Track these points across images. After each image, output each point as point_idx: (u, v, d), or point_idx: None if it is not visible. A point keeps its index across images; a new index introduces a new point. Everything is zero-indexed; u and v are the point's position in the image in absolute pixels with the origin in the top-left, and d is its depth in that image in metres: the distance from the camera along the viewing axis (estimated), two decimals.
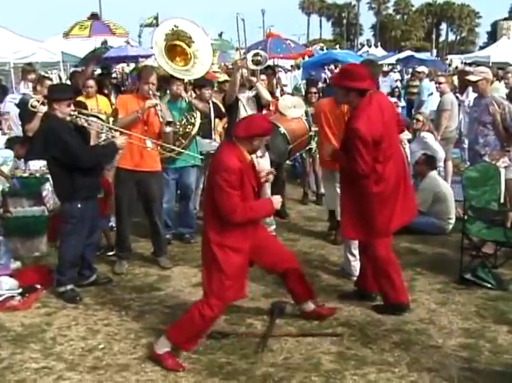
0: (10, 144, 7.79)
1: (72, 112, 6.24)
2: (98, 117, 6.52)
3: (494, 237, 6.81)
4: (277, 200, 5.20)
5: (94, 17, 15.11)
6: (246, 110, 7.86)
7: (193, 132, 7.74)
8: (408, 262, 7.22)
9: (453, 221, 8.35)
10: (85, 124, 6.29)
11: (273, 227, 8.17)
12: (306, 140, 8.58)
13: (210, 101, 8.52)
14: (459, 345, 5.29)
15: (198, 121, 7.82)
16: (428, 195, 8.34)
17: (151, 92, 6.94)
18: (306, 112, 8.76)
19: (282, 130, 8.04)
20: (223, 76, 11.30)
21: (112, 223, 7.91)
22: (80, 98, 8.92)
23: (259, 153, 7.23)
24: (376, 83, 6.53)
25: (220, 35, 27.90)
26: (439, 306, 6.08)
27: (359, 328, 5.58)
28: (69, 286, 6.41)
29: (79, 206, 6.26)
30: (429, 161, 8.68)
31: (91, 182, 6.31)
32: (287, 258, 5.60)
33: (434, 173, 8.60)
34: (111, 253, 7.53)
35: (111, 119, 6.54)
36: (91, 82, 9.22)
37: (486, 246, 7.06)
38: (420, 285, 6.65)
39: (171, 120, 7.02)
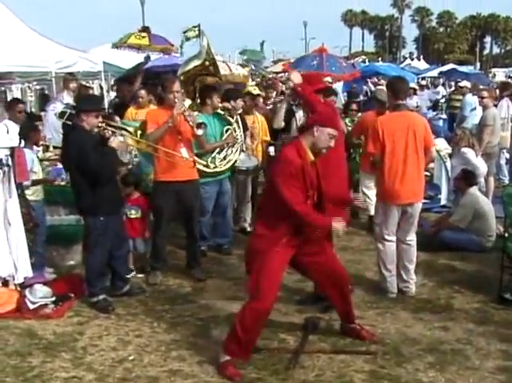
0: (23, 132, 7.58)
1: (100, 124, 6.26)
2: (126, 130, 6.53)
3: None
4: (339, 222, 5.03)
5: (146, 29, 15.12)
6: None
7: (239, 144, 7.84)
8: (447, 280, 7.08)
9: (493, 238, 8.16)
10: (112, 137, 6.29)
11: None
12: None
13: (236, 114, 8.45)
14: (497, 367, 5.13)
15: (240, 133, 7.88)
16: (468, 212, 8.17)
17: (176, 101, 6.92)
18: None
19: None
20: (256, 90, 11.20)
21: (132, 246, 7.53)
22: (131, 109, 8.97)
23: None
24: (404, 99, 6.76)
25: (262, 44, 27.97)
26: (476, 326, 5.91)
27: (393, 346, 5.45)
28: (101, 296, 6.43)
29: (101, 219, 6.31)
30: (468, 177, 8.50)
31: (112, 196, 6.34)
32: (339, 284, 5.47)
33: (474, 189, 8.42)
34: (140, 275, 7.32)
35: (138, 132, 6.55)
36: (142, 92, 9.20)
37: None
38: (458, 303, 6.49)
39: (201, 121, 6.98)
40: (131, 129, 6.66)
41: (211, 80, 8.43)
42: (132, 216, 7.33)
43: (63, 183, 8.29)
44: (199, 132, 6.91)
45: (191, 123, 6.83)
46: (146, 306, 6.48)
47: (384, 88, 8.14)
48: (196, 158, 7.33)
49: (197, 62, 8.35)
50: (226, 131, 7.90)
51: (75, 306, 6.46)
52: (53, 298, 6.41)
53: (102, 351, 5.46)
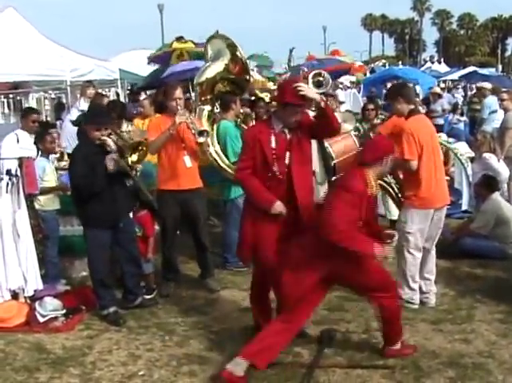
0: (38, 140, 7.42)
1: (102, 138, 6.12)
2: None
3: None
4: (379, 249, 4.94)
5: (181, 37, 14.97)
6: None
7: None
8: (468, 289, 6.87)
9: None
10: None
11: None
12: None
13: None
14: None
15: None
16: (490, 218, 7.95)
17: (179, 108, 6.77)
18: (357, 128, 8.43)
19: (325, 144, 7.71)
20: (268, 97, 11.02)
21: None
22: (137, 119, 8.82)
23: (319, 179, 6.99)
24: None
25: (291, 51, 27.74)
26: (499, 338, 5.68)
27: (412, 360, 5.23)
28: (112, 309, 6.29)
29: (94, 232, 6.22)
30: (490, 183, 8.28)
31: (105, 210, 6.14)
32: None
33: (496, 195, 8.19)
34: (149, 296, 6.89)
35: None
36: (145, 102, 9.05)
37: None
38: (480, 314, 6.26)
39: (203, 129, 6.77)
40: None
41: (231, 87, 8.21)
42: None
43: None
44: (201, 139, 6.73)
45: (192, 130, 6.68)
46: (158, 319, 6.33)
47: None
48: (230, 165, 7.26)
49: (217, 68, 8.12)
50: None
51: (86, 318, 6.33)
52: (64, 311, 6.29)
53: (111, 366, 5.32)
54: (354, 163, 5.37)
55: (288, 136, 5.36)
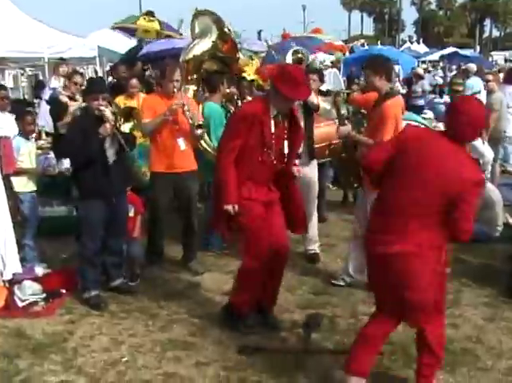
0: (17, 116, 7.16)
1: (101, 108, 5.95)
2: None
3: None
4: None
5: (151, 13, 14.66)
6: None
7: None
8: (454, 272, 6.77)
9: (501, 228, 7.88)
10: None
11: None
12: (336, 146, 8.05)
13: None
14: (510, 368, 4.87)
15: None
16: None
17: (175, 90, 6.61)
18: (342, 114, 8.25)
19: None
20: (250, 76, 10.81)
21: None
22: (121, 98, 8.61)
23: (303, 159, 6.81)
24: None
25: (259, 33, 27.48)
26: (486, 322, 5.64)
27: (400, 346, 5.15)
28: (94, 292, 6.15)
29: (87, 205, 6.09)
30: None
31: (99, 181, 5.98)
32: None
33: None
34: (133, 283, 6.69)
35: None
36: (134, 82, 8.82)
37: None
38: (466, 298, 6.22)
39: (201, 122, 6.65)
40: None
41: (218, 66, 8.03)
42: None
43: (55, 173, 8.04)
44: (199, 131, 6.61)
45: (190, 120, 6.53)
46: (140, 303, 6.18)
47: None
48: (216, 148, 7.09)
49: (205, 45, 7.95)
50: None
51: (66, 302, 6.18)
52: (44, 295, 6.12)
53: (94, 352, 5.18)
54: (452, 146, 4.05)
55: (285, 123, 5.26)
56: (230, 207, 5.14)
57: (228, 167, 5.14)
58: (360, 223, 6.30)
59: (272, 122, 5.14)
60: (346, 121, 7.13)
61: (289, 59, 8.04)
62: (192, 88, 7.64)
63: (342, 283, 6.45)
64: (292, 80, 4.98)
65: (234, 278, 5.74)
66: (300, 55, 8.28)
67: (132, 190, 7.03)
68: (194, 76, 7.54)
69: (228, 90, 7.62)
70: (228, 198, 5.13)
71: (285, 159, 5.33)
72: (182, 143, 6.73)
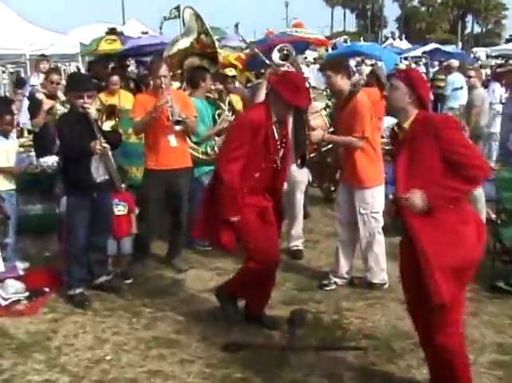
0: None
1: (85, 106, 5.91)
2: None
3: None
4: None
5: (113, 30, 14.40)
6: None
7: None
8: None
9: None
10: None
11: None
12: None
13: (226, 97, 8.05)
14: (493, 362, 4.90)
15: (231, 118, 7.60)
16: None
17: (163, 86, 6.58)
18: (328, 105, 8.28)
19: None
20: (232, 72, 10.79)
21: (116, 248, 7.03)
22: (101, 95, 8.58)
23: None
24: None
25: (236, 26, 27.38)
26: (469, 318, 5.64)
27: (384, 341, 5.19)
28: (78, 290, 6.13)
29: (71, 199, 6.09)
30: None
31: (84, 176, 5.95)
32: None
33: None
34: (127, 281, 6.69)
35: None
36: (115, 79, 8.76)
37: None
38: None
39: (180, 119, 6.58)
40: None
41: (201, 62, 8.02)
42: (120, 213, 6.83)
43: (36, 171, 7.98)
44: (177, 128, 6.58)
45: (170, 116, 6.51)
46: (124, 300, 6.16)
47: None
48: (194, 146, 7.09)
49: (186, 42, 7.97)
50: (219, 115, 7.60)
51: (50, 301, 6.14)
52: (27, 294, 6.10)
53: (77, 351, 5.15)
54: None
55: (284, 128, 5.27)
56: (235, 219, 5.08)
57: (235, 179, 5.02)
58: (343, 225, 6.34)
59: (275, 127, 5.11)
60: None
61: (275, 56, 8.02)
62: (176, 85, 7.64)
63: (334, 287, 6.40)
64: (293, 86, 4.99)
65: (235, 272, 5.75)
66: (286, 52, 8.26)
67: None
68: (179, 71, 7.55)
69: (213, 87, 7.58)
70: (236, 211, 5.07)
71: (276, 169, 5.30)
72: (173, 139, 6.68)
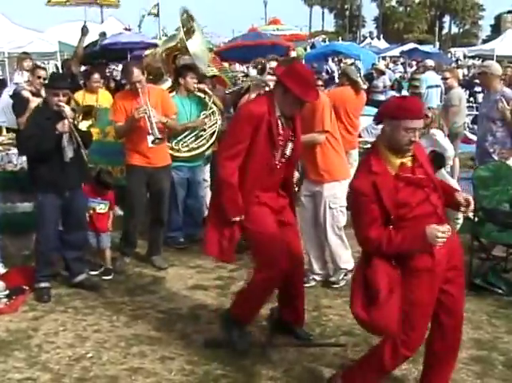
0: None
1: (59, 103, 5.94)
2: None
3: (505, 240, 6.46)
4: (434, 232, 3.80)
5: None
6: None
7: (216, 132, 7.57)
8: None
9: (461, 221, 8.00)
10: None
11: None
12: None
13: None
14: (471, 357, 4.97)
15: (219, 119, 7.63)
16: None
17: (139, 91, 6.57)
18: None
19: None
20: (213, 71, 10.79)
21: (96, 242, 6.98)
22: (81, 92, 8.56)
23: None
24: None
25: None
26: None
27: (363, 337, 5.22)
28: (43, 284, 6.22)
29: (39, 198, 6.13)
30: (437, 159, 8.31)
31: (54, 175, 5.96)
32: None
33: (442, 171, 8.24)
34: (107, 277, 6.72)
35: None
36: (96, 77, 8.72)
37: (497, 249, 6.76)
38: None
39: (159, 137, 6.57)
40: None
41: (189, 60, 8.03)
42: (102, 211, 6.82)
43: (16, 169, 7.95)
44: (151, 145, 6.67)
45: (149, 130, 6.50)
46: (104, 298, 6.17)
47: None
48: (167, 143, 7.11)
49: (171, 43, 8.06)
50: (206, 116, 7.62)
51: (30, 299, 6.13)
52: (7, 292, 6.05)
53: (58, 349, 5.15)
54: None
55: (290, 125, 4.90)
56: (238, 219, 4.81)
57: (232, 176, 4.72)
58: (307, 224, 6.35)
59: (279, 122, 4.76)
60: None
61: (253, 73, 8.14)
62: (168, 84, 7.73)
63: (313, 283, 6.43)
64: (303, 80, 4.68)
65: (238, 290, 5.54)
66: (260, 66, 8.37)
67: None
68: (173, 66, 7.67)
69: (196, 85, 7.58)
70: (238, 210, 4.78)
71: (287, 163, 4.97)
72: (150, 141, 6.69)
